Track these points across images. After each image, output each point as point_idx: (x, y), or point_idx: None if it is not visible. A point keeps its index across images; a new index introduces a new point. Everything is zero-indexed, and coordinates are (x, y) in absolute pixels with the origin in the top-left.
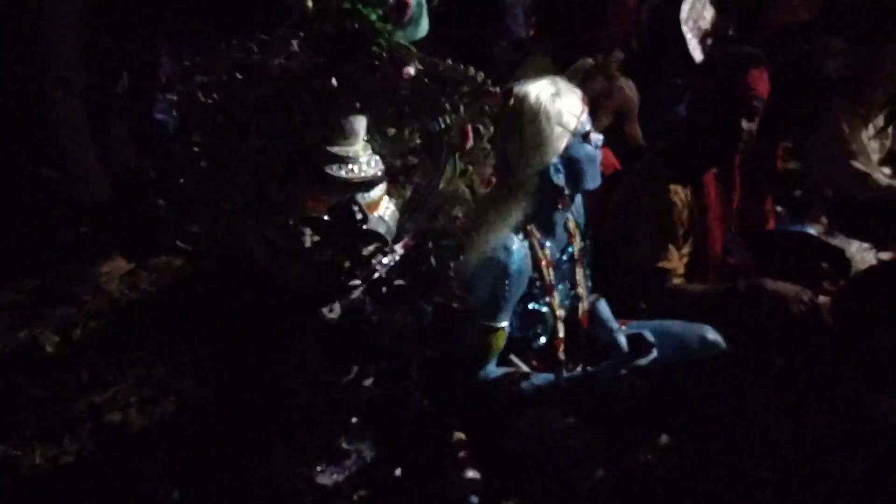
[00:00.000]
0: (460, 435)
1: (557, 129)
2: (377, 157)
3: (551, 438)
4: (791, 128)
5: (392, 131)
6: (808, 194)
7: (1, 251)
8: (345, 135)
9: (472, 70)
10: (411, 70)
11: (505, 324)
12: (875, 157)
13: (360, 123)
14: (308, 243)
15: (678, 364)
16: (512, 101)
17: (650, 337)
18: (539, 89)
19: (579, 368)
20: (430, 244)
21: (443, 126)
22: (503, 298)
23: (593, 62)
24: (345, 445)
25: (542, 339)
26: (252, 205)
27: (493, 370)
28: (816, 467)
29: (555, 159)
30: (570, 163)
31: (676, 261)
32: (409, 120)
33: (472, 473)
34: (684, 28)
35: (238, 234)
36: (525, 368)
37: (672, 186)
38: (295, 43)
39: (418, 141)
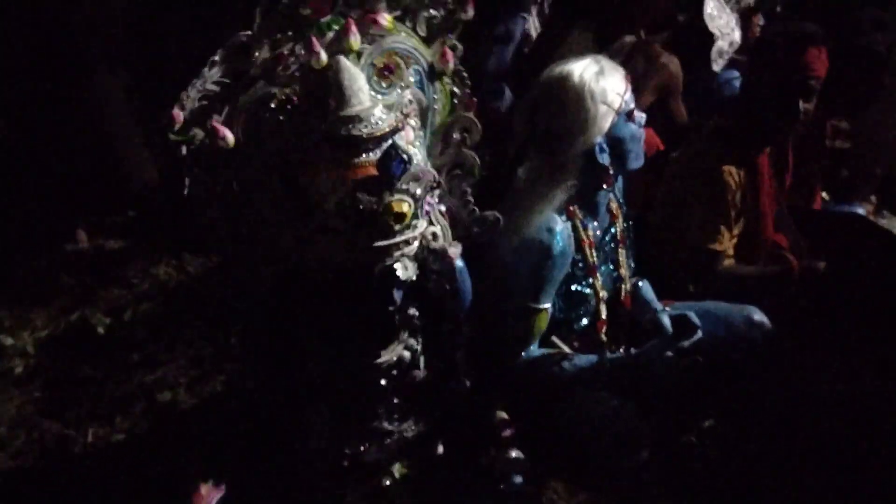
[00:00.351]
0: (503, 414)
1: (602, 108)
2: (386, 111)
3: (597, 420)
4: (841, 105)
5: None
6: (857, 173)
7: (52, 235)
8: (349, 95)
9: None
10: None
11: (548, 305)
12: None
13: (360, 81)
14: (365, 203)
15: (723, 345)
16: (556, 79)
17: (695, 318)
18: (583, 68)
19: (622, 350)
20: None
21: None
22: (546, 280)
23: (636, 39)
24: (387, 425)
25: (584, 321)
26: (283, 208)
27: (535, 351)
28: (865, 451)
29: (599, 139)
30: (615, 142)
31: (728, 242)
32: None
33: (515, 453)
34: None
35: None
36: (567, 350)
37: (726, 167)
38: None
39: (412, 79)
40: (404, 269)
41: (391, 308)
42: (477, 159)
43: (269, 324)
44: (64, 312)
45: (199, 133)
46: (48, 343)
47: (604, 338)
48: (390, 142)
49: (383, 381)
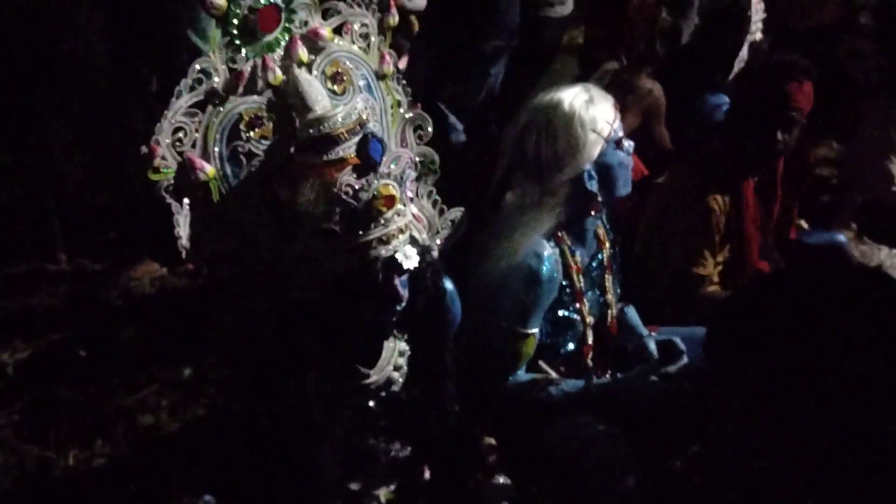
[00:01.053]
0: (490, 440)
1: (592, 136)
2: (347, 111)
3: (583, 445)
4: (822, 133)
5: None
6: (839, 200)
7: (34, 255)
8: (310, 101)
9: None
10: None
11: (535, 330)
12: None
13: (315, 86)
14: (354, 193)
15: (702, 371)
16: (546, 106)
17: (680, 343)
18: (573, 96)
19: (608, 375)
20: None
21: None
22: (534, 305)
23: (618, 65)
24: (373, 449)
25: (570, 346)
26: (266, 217)
27: (522, 375)
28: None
29: (588, 166)
30: (604, 169)
31: (711, 268)
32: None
33: (502, 479)
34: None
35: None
36: (553, 374)
37: (710, 193)
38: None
39: (361, 83)
40: (406, 258)
41: (398, 307)
42: (435, 154)
43: (259, 346)
44: (44, 334)
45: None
46: (28, 364)
47: (590, 363)
48: (364, 129)
49: (371, 403)
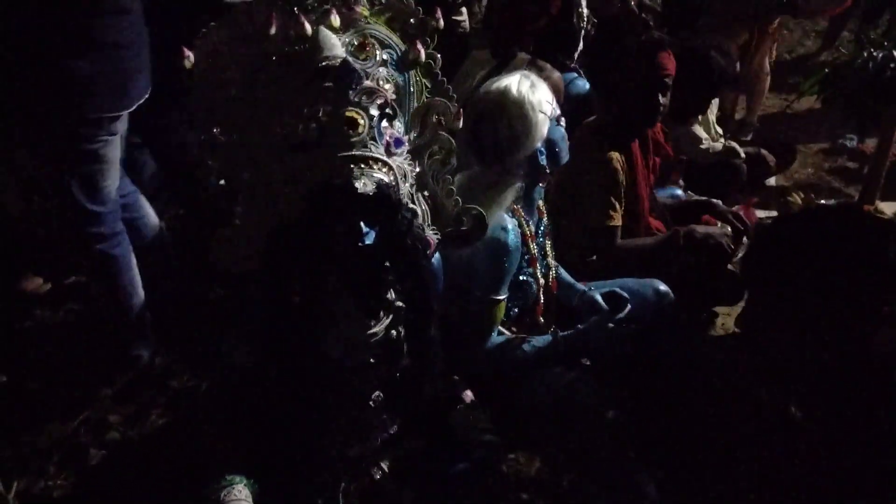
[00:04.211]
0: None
1: (541, 117)
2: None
3: (563, 392)
4: (687, 113)
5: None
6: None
7: None
8: (328, 49)
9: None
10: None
11: (506, 295)
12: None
13: (335, 40)
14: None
15: (640, 315)
16: (495, 95)
17: (623, 293)
18: (517, 83)
19: (552, 328)
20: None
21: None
22: (505, 273)
23: (527, 56)
24: (370, 419)
25: (516, 309)
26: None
27: (496, 339)
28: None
29: (539, 144)
30: (551, 144)
31: (620, 219)
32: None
33: (488, 437)
34: None
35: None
36: (508, 335)
37: (611, 153)
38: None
39: (385, 58)
40: (363, 185)
41: (362, 245)
42: (453, 142)
43: (262, 296)
44: None
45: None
46: None
47: (541, 320)
48: (345, 57)
49: (372, 359)
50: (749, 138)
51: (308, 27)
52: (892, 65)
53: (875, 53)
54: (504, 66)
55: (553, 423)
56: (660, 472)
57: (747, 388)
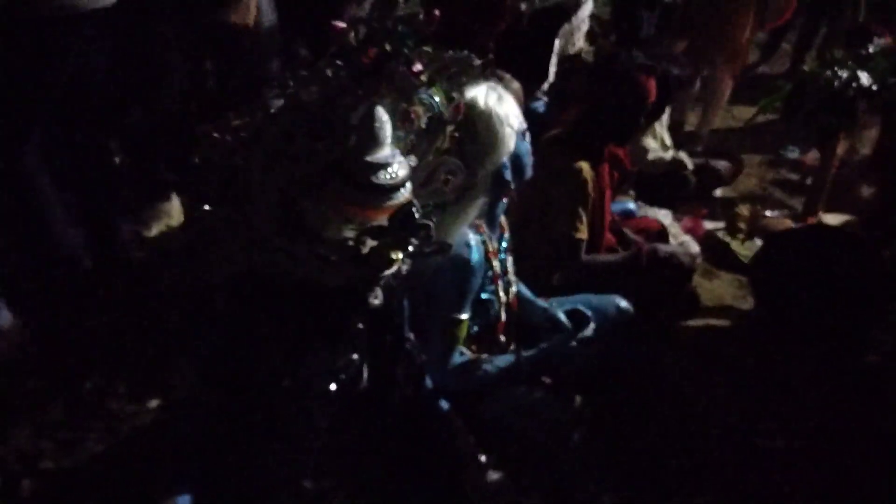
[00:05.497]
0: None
1: (507, 130)
2: (402, 157)
3: (527, 412)
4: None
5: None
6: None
7: None
8: (378, 142)
9: (465, 53)
10: (420, 66)
11: (468, 314)
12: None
13: (388, 128)
14: (366, 249)
15: (603, 331)
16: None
17: (587, 310)
18: (484, 95)
19: (512, 347)
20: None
21: (442, 107)
22: (468, 291)
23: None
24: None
25: (476, 327)
26: (280, 227)
27: (459, 358)
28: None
29: (505, 158)
30: (516, 159)
31: (585, 232)
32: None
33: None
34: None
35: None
36: (470, 354)
37: (582, 164)
38: (329, 70)
39: (423, 126)
40: (375, 299)
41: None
42: (452, 198)
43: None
44: None
45: None
46: None
47: (502, 338)
48: (410, 201)
49: (333, 386)
50: (699, 149)
51: None
52: (853, 84)
53: (839, 73)
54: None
55: (517, 442)
56: (625, 489)
57: (709, 400)
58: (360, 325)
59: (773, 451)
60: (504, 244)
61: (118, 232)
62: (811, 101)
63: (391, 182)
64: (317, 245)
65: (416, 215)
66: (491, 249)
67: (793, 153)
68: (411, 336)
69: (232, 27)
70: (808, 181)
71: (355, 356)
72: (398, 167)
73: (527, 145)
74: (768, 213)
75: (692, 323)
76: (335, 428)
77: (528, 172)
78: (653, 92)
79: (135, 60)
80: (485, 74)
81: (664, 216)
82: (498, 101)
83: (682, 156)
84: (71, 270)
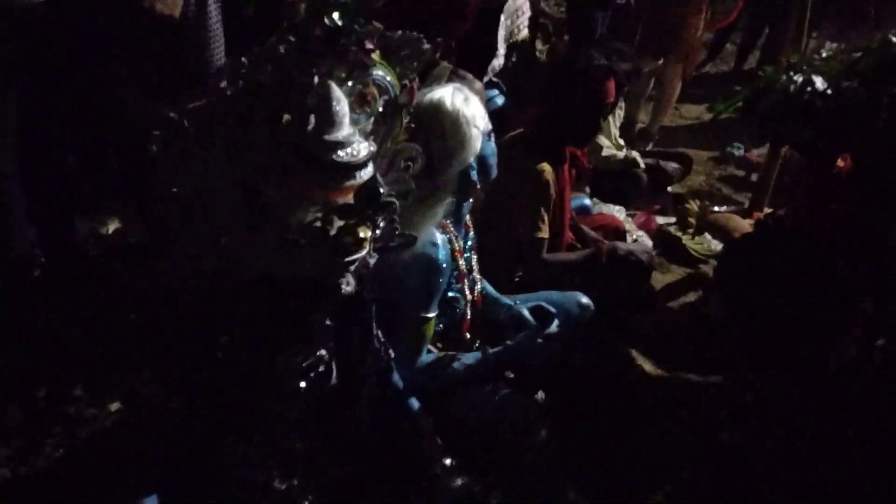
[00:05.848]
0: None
1: (474, 131)
2: (362, 138)
3: (494, 410)
4: None
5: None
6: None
7: None
8: (336, 121)
9: (415, 34)
10: (370, 45)
11: (435, 313)
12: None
13: (345, 106)
14: (334, 230)
15: (566, 328)
16: (428, 107)
17: (551, 308)
18: (451, 96)
19: (477, 344)
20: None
21: (398, 90)
22: (435, 290)
23: (449, 65)
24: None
25: (441, 325)
26: (245, 218)
27: (426, 357)
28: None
29: (472, 159)
30: (482, 159)
31: (547, 232)
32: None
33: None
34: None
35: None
36: (436, 352)
37: (544, 165)
38: (282, 48)
39: (380, 109)
40: (347, 286)
41: (317, 314)
42: (413, 186)
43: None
44: None
45: None
46: None
47: (467, 335)
48: (372, 175)
49: (302, 384)
50: (649, 148)
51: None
52: (808, 88)
53: (794, 77)
54: (426, 75)
55: (482, 441)
56: (590, 486)
57: (670, 395)
58: (329, 322)
59: (736, 445)
60: (469, 243)
61: (74, 230)
62: (767, 105)
63: (352, 160)
64: (285, 231)
65: (381, 191)
66: (457, 248)
67: (738, 150)
68: (379, 333)
69: (159, 16)
70: (754, 177)
71: (323, 352)
72: (358, 146)
73: (492, 146)
74: (716, 208)
75: (649, 317)
76: (304, 427)
77: (494, 172)
78: (612, 93)
79: (78, 51)
80: (449, 77)
81: (618, 212)
82: (464, 102)
83: (635, 154)
84: (25, 270)
